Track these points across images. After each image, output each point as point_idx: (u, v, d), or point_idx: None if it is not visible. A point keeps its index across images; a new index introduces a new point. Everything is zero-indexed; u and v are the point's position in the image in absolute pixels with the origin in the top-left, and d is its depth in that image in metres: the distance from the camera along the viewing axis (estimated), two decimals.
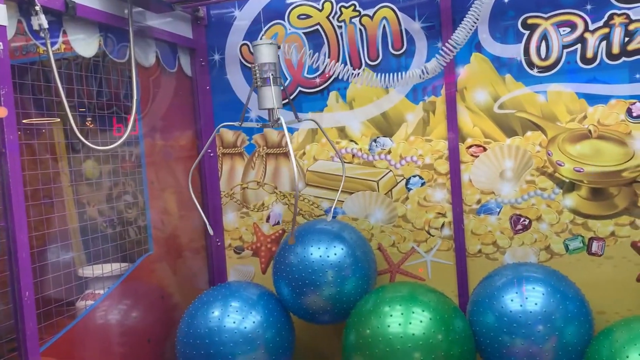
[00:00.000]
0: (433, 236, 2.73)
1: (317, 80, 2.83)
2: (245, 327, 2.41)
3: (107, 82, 2.57)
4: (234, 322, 2.42)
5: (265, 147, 2.97)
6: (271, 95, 2.27)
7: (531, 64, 2.52)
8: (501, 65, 2.56)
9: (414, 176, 2.73)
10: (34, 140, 2.39)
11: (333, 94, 2.81)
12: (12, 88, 1.84)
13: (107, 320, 2.40)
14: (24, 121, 2.44)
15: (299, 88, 2.86)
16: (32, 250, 1.98)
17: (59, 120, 2.55)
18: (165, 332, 2.66)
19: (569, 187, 2.52)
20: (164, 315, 2.68)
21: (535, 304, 2.18)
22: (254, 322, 2.43)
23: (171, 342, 2.62)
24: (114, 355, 2.39)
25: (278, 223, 2.99)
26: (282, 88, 2.35)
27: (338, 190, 2.77)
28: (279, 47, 2.37)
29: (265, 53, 2.28)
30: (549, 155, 2.53)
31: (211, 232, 2.42)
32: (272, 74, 2.27)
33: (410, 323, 2.18)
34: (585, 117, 2.47)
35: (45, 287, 2.22)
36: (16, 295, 1.86)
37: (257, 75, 2.28)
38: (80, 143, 2.54)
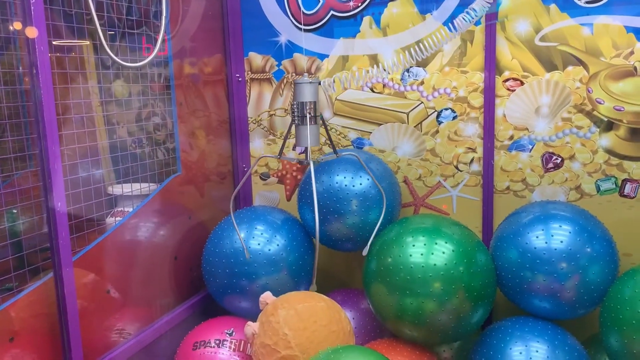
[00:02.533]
0: (461, 171, 2.70)
1: (351, 3, 2.72)
2: (269, 250, 2.46)
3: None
4: (259, 244, 2.46)
5: (294, 74, 2.92)
6: (307, 135, 2.27)
7: None
8: None
9: (446, 109, 2.66)
10: (64, 53, 2.39)
11: (367, 19, 2.71)
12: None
13: (135, 237, 2.47)
14: (54, 43, 2.43)
15: (332, 12, 2.76)
16: (64, 163, 2.02)
17: (88, 42, 2.54)
18: (191, 251, 2.73)
19: (607, 126, 2.43)
20: (191, 234, 2.75)
21: (561, 241, 2.16)
22: (277, 245, 2.47)
23: (197, 260, 2.70)
24: (142, 269, 2.47)
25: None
26: (320, 125, 2.34)
27: (367, 120, 2.75)
28: (320, 84, 2.33)
29: (305, 92, 2.28)
30: (589, 92, 2.43)
31: (248, 256, 2.41)
32: (310, 114, 2.26)
33: (432, 254, 2.18)
34: (632, 53, 2.34)
35: (76, 201, 2.27)
36: (49, 204, 1.92)
37: (296, 113, 2.28)
38: (109, 60, 2.53)
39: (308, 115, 2.26)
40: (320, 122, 2.36)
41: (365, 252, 2.33)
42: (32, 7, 1.80)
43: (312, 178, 2.26)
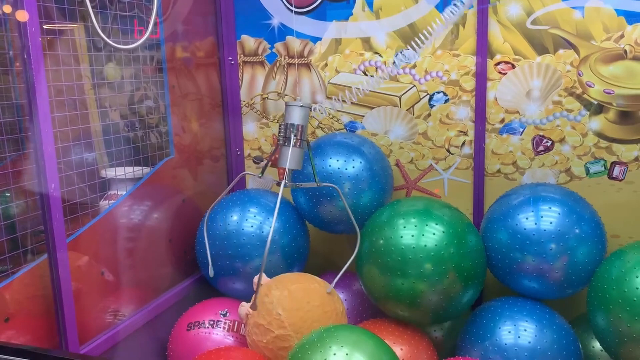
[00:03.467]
0: (453, 154, 2.72)
1: None
2: (262, 232, 2.48)
3: None
4: (252, 227, 2.48)
5: (286, 57, 2.92)
6: (286, 157, 2.19)
7: None
8: None
9: (438, 92, 2.68)
10: (55, 36, 2.38)
11: (359, 2, 2.70)
12: None
13: (128, 220, 2.48)
14: (44, 26, 2.42)
15: None
16: (57, 146, 2.02)
17: (79, 25, 2.52)
18: (185, 234, 2.75)
19: (597, 109, 2.46)
20: (184, 217, 2.76)
21: (550, 222, 2.19)
22: (270, 227, 2.49)
23: (191, 243, 2.72)
24: (136, 252, 2.49)
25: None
26: (305, 150, 2.27)
27: (360, 104, 2.75)
28: (311, 109, 2.27)
29: (294, 115, 2.21)
30: (580, 75, 2.45)
31: (211, 273, 2.33)
32: (295, 137, 2.19)
33: (423, 235, 2.21)
34: (622, 36, 2.36)
35: (70, 184, 2.28)
36: (42, 186, 1.92)
37: (282, 133, 2.21)
38: (101, 42, 2.52)
39: (293, 139, 2.18)
40: (306, 146, 2.28)
41: (329, 289, 2.23)
42: None
43: (277, 204, 2.14)
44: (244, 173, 2.49)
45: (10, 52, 2.52)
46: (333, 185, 2.35)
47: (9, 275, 1.91)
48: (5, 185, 2.11)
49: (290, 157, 2.17)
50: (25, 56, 1.84)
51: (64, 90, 2.40)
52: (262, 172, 2.33)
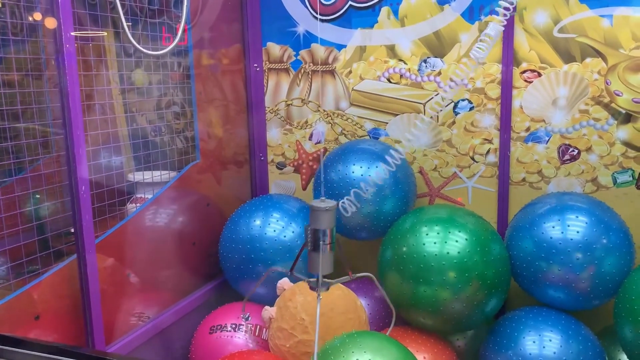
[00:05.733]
0: (477, 162, 2.71)
1: None
2: (284, 237, 2.50)
3: None
4: (274, 231, 2.50)
5: (311, 64, 2.94)
6: (317, 263, 2.00)
7: None
8: None
9: (463, 100, 2.67)
10: (87, 42, 2.43)
11: (385, 10, 2.72)
12: None
13: (154, 223, 2.51)
14: (72, 34, 2.47)
15: (350, 2, 2.78)
16: (87, 149, 2.06)
17: (109, 31, 2.58)
18: (209, 237, 2.78)
19: (625, 118, 2.43)
20: (208, 221, 2.79)
21: (577, 232, 2.17)
22: (293, 232, 2.51)
23: (215, 246, 2.75)
24: (161, 254, 2.52)
25: (320, 142, 3.01)
26: (334, 251, 2.03)
27: (383, 111, 2.76)
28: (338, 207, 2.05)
29: (322, 219, 1.87)
30: (607, 84, 2.43)
31: (245, 319, 2.25)
32: (322, 242, 1.96)
33: (446, 242, 2.20)
34: None
35: (98, 186, 2.33)
36: (74, 188, 1.97)
37: (308, 238, 1.87)
38: (130, 48, 2.57)
39: (326, 246, 1.94)
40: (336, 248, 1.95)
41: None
42: None
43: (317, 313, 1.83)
44: (271, 269, 2.27)
45: (44, 56, 2.59)
46: (369, 274, 2.14)
47: (39, 275, 1.96)
48: (38, 186, 2.16)
49: (323, 263, 1.98)
50: (60, 61, 1.89)
51: (94, 95, 2.46)
52: (291, 270, 2.16)
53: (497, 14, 2.01)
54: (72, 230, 2.06)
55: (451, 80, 2.23)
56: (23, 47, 2.48)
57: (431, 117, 2.17)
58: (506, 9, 2.00)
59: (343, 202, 2.21)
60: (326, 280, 1.95)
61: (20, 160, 2.22)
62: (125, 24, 2.06)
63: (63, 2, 1.86)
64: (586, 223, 2.18)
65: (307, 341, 2.06)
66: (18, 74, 2.46)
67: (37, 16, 2.35)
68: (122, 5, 2.28)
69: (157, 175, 2.58)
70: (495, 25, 2.04)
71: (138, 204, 2.54)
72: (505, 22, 2.02)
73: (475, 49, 2.04)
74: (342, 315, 2.11)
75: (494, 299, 2.24)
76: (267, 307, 2.21)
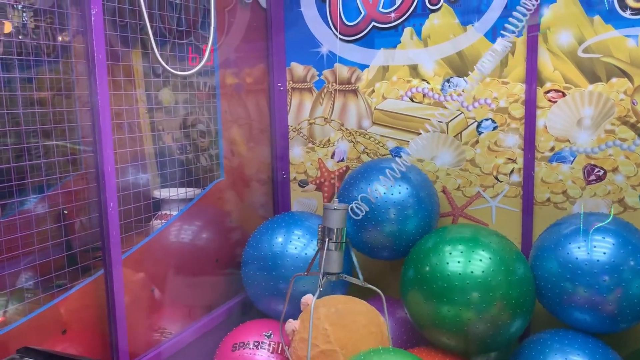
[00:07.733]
0: (501, 182, 2.69)
1: (392, 15, 2.77)
2: (306, 254, 2.51)
3: (185, 10, 2.62)
4: (296, 249, 2.51)
5: (334, 83, 2.98)
6: (329, 261, 2.18)
7: (624, 6, 2.36)
8: (590, 5, 2.41)
9: (486, 119, 2.67)
10: (116, 62, 2.51)
11: (408, 30, 2.75)
12: (102, 9, 1.93)
13: (178, 239, 2.55)
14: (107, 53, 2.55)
15: (373, 23, 2.81)
16: (116, 166, 2.11)
17: (136, 53, 2.66)
18: (232, 254, 2.80)
19: None
20: (231, 238, 2.82)
21: (604, 253, 2.14)
22: (314, 249, 2.51)
23: (237, 263, 2.77)
24: (184, 270, 2.55)
25: (342, 160, 3.03)
26: (344, 251, 2.23)
27: (406, 129, 2.77)
28: (350, 209, 2.23)
29: (331, 218, 2.18)
30: (634, 104, 2.40)
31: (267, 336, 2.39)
32: (334, 242, 2.17)
33: (470, 262, 2.19)
34: None
35: (125, 203, 2.37)
36: (102, 205, 2.01)
37: (319, 237, 2.19)
38: (159, 68, 2.64)
39: (334, 244, 2.16)
40: (344, 247, 2.24)
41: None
42: (93, 18, 1.91)
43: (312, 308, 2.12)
44: (296, 274, 2.37)
45: (74, 77, 2.66)
46: (377, 289, 2.27)
47: (67, 290, 2.00)
48: (67, 202, 2.21)
49: (331, 261, 2.15)
50: (92, 81, 1.95)
51: (122, 114, 2.52)
52: (308, 271, 2.30)
53: (508, 30, 2.07)
54: (100, 246, 2.10)
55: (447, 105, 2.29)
56: (55, 67, 2.56)
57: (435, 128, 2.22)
58: (515, 25, 2.06)
59: (352, 207, 2.38)
60: (333, 273, 2.09)
61: (51, 177, 2.28)
62: (154, 45, 2.12)
63: (97, 24, 1.92)
64: (613, 244, 2.15)
65: (330, 351, 2.06)
66: (50, 93, 2.54)
67: (65, 37, 2.42)
68: (151, 27, 2.35)
69: (182, 192, 2.62)
70: (502, 41, 2.10)
71: (163, 221, 2.58)
72: (512, 38, 2.08)
73: (480, 63, 2.09)
74: (365, 328, 2.11)
75: (518, 320, 2.21)
76: (290, 320, 2.22)
